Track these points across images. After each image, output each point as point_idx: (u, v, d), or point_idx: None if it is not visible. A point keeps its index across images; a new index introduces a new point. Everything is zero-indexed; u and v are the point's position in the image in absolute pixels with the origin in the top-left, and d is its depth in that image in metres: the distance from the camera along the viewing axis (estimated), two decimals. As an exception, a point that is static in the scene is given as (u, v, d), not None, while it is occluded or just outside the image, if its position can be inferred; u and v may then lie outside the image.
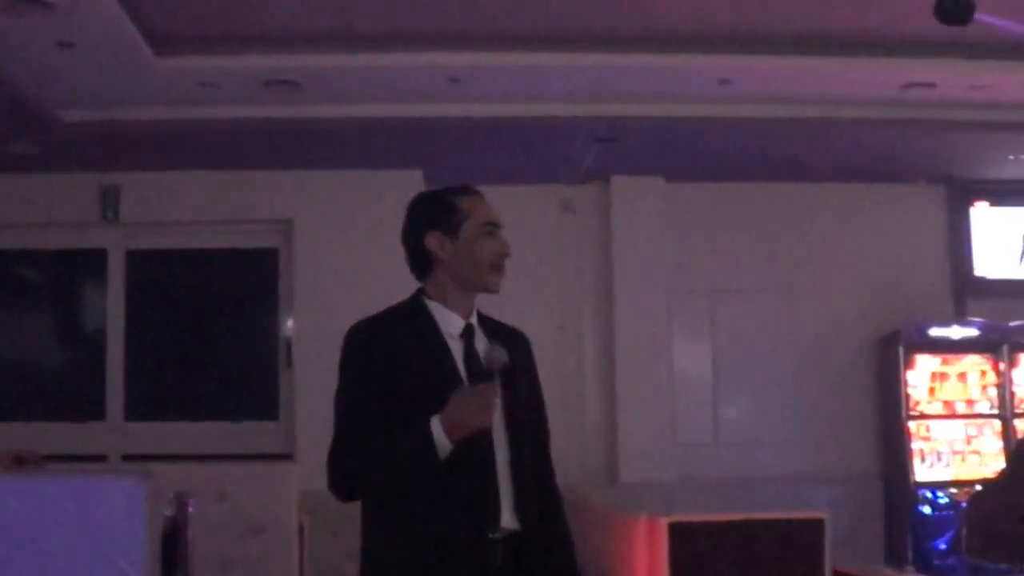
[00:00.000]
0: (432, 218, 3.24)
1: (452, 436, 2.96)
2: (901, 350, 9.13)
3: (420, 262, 3.26)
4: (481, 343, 3.21)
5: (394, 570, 3.09)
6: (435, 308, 3.22)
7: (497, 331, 3.29)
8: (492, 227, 3.25)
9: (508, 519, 3.08)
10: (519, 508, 3.09)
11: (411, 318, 3.21)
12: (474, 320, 3.26)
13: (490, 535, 3.04)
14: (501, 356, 3.09)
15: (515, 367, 3.19)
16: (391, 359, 3.11)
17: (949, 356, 9.22)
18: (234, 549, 6.24)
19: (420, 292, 3.28)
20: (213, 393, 9.18)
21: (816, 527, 6.25)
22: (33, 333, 9.39)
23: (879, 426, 9.45)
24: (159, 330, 9.25)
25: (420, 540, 3.03)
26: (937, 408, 9.19)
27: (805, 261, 9.58)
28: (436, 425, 2.96)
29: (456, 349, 3.18)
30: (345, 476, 3.11)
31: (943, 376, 9.23)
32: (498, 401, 3.03)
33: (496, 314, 3.45)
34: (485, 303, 3.40)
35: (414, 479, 3.02)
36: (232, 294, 9.34)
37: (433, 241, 3.22)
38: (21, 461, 4.74)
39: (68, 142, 7.93)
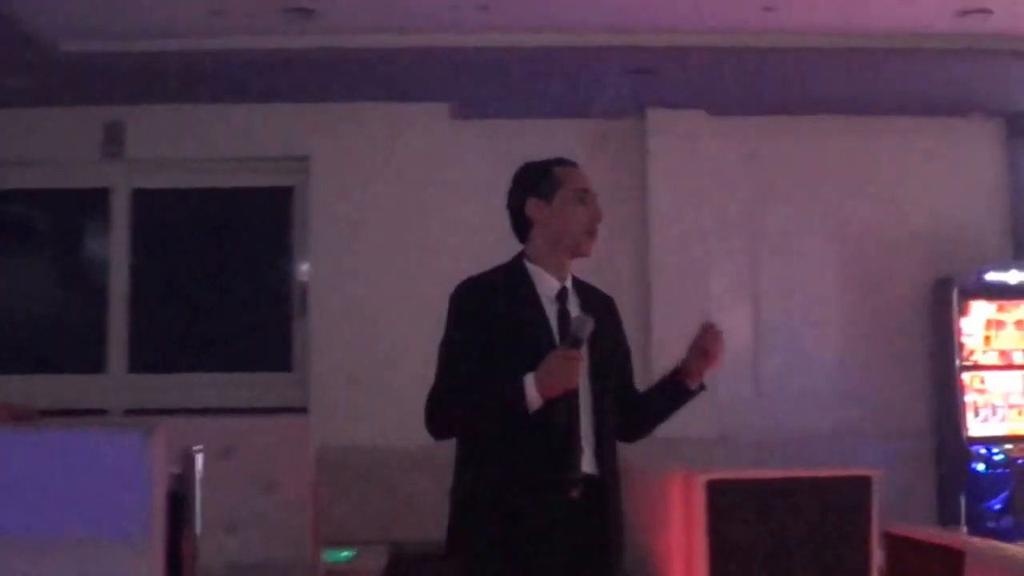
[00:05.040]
0: (531, 185, 3.73)
1: (543, 394, 3.46)
2: (955, 296, 8.97)
3: (520, 226, 3.76)
4: (573, 307, 3.68)
5: (482, 505, 3.57)
6: (533, 270, 3.70)
7: (588, 294, 3.77)
8: (584, 194, 3.70)
9: (588, 465, 3.58)
10: (599, 455, 3.61)
11: (512, 278, 3.70)
12: (568, 283, 3.72)
13: (569, 478, 3.53)
14: (588, 324, 3.50)
15: (602, 328, 3.62)
16: (492, 316, 3.61)
17: (1006, 302, 9.06)
18: (244, 508, 6.29)
19: (521, 255, 3.75)
20: (223, 343, 9.18)
21: (863, 486, 6.03)
22: (31, 278, 9.37)
23: (930, 377, 9.31)
24: (165, 275, 9.26)
25: (506, 479, 3.53)
26: (992, 358, 9.05)
27: (853, 201, 9.43)
28: (530, 382, 3.45)
29: (550, 311, 3.65)
30: (442, 418, 3.61)
31: (999, 324, 9.07)
32: (581, 365, 3.49)
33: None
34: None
35: (504, 425, 3.52)
36: (244, 236, 9.32)
37: (531, 206, 3.71)
38: (16, 417, 4.75)
39: (69, 74, 7.93)
